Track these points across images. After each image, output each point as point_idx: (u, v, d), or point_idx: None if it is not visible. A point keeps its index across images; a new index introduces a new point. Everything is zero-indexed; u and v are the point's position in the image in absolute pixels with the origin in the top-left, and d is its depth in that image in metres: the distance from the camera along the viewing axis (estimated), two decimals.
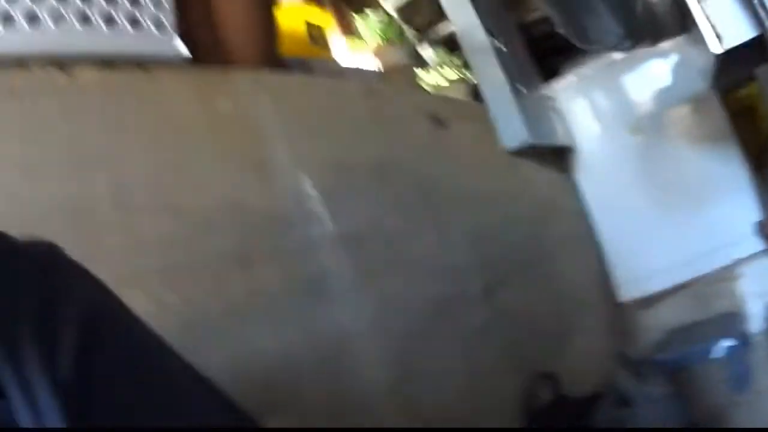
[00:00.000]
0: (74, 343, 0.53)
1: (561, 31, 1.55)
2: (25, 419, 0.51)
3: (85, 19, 1.21)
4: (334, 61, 2.16)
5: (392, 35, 2.49)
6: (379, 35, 2.48)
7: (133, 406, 0.56)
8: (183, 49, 1.25)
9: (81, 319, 0.55)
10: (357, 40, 2.49)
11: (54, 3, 1.19)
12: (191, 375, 0.62)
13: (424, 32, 2.49)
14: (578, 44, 1.63)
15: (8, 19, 1.15)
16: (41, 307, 0.54)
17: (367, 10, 2.53)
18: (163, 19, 1.28)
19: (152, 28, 1.26)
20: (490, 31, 1.84)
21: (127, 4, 1.25)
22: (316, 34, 2.15)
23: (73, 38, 1.20)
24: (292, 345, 1.11)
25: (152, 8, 1.27)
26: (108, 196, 1.06)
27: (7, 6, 1.15)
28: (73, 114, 1.14)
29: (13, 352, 0.52)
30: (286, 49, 1.68)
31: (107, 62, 1.20)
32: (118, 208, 1.06)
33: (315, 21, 2.21)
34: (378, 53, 2.45)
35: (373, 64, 2.39)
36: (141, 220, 1.06)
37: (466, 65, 2.23)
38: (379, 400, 1.18)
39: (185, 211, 1.11)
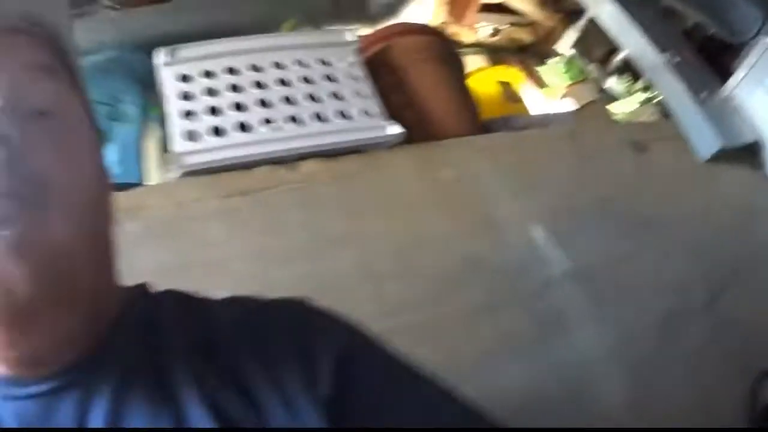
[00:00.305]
0: (331, 368, 0.62)
1: (712, 30, 1.56)
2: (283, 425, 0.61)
3: (295, 120, 1.39)
4: (531, 113, 2.22)
5: (576, 75, 2.54)
6: (566, 77, 2.54)
7: (384, 414, 0.63)
8: (396, 130, 1.37)
9: (335, 349, 0.64)
10: (547, 88, 2.56)
11: (266, 111, 1.39)
12: (441, 391, 0.69)
13: (604, 64, 2.51)
14: (729, 39, 1.62)
15: (216, 131, 1.36)
16: (301, 341, 0.65)
17: (548, 60, 2.62)
18: (371, 108, 1.43)
19: (362, 117, 1.41)
20: (659, 47, 1.86)
21: (335, 101, 1.42)
22: (509, 92, 2.23)
23: (290, 138, 1.37)
24: (539, 377, 1.17)
25: (358, 100, 1.43)
26: (354, 270, 1.20)
27: (214, 120, 1.38)
28: (303, 203, 1.30)
29: (280, 380, 0.62)
30: (486, 111, 1.77)
31: (328, 154, 1.36)
32: (366, 279, 1.20)
33: (505, 79, 2.31)
34: (569, 95, 2.50)
35: (566, 107, 2.43)
36: (389, 286, 1.19)
37: (649, 86, 2.26)
38: (619, 420, 1.22)
39: (428, 273, 1.22)
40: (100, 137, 0.73)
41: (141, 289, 0.73)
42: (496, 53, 2.72)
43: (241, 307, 0.72)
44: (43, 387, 0.61)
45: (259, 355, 0.65)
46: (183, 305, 0.72)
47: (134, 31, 2.08)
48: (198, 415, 0.60)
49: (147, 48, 1.92)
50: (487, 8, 2.59)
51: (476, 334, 1.18)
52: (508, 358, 1.18)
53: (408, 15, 2.35)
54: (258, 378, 0.63)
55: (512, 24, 2.68)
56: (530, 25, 2.72)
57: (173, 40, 1.58)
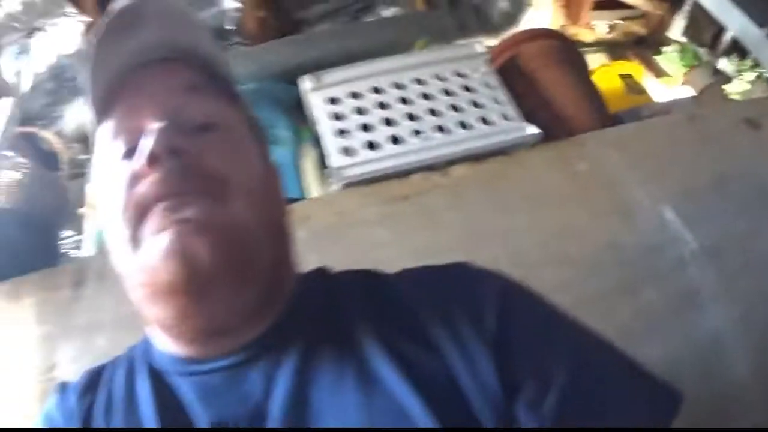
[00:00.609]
0: (495, 312, 0.67)
1: None
2: (459, 368, 0.64)
3: (442, 129, 1.52)
4: (654, 102, 2.27)
5: (691, 61, 2.57)
6: (681, 64, 2.57)
7: (545, 354, 0.67)
8: (534, 130, 1.48)
9: (497, 295, 0.69)
10: (666, 77, 2.60)
11: (414, 124, 1.53)
12: (596, 338, 0.73)
13: (714, 46, 2.52)
14: None
15: (370, 145, 1.50)
16: (469, 292, 0.71)
17: (663, 49, 2.65)
18: (508, 113, 1.54)
19: (502, 121, 1.52)
20: (759, 23, 1.88)
21: (475, 109, 1.54)
22: (632, 85, 2.30)
23: (438, 146, 1.49)
24: (675, 351, 1.22)
25: (495, 105, 1.55)
26: (506, 259, 1.29)
27: (367, 136, 1.51)
28: (456, 203, 1.42)
29: (452, 324, 0.67)
30: (612, 105, 1.83)
31: (474, 158, 1.48)
32: (516, 266, 1.31)
33: (627, 73, 2.37)
34: (687, 81, 2.53)
35: (685, 93, 2.46)
36: (537, 272, 1.29)
37: (757, 63, 2.26)
38: (745, 387, 1.23)
39: (572, 259, 1.31)
40: (264, 142, 0.83)
41: (319, 270, 0.81)
42: (614, 48, 2.78)
43: (413, 273, 0.78)
44: (230, 360, 0.68)
45: (434, 308, 0.69)
46: (360, 277, 0.79)
47: (270, 63, 2.24)
48: (384, 367, 0.65)
49: (285, 77, 2.11)
50: (600, 5, 2.65)
51: (616, 313, 1.24)
52: (646, 333, 1.24)
53: (527, 22, 2.42)
54: (434, 329, 0.67)
55: (625, 18, 2.74)
56: (642, 16, 2.76)
57: (309, 68, 1.72)
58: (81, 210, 2.14)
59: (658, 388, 0.71)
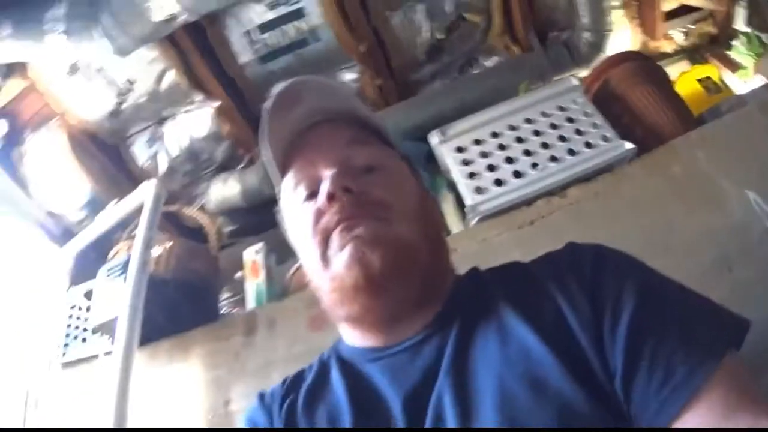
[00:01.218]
0: (590, 265, 0.81)
1: None
2: (566, 309, 0.78)
3: (554, 159, 1.78)
4: (732, 96, 2.37)
5: (758, 49, 2.67)
6: (750, 54, 2.68)
7: (622, 287, 0.77)
8: (629, 146, 1.73)
9: (593, 255, 0.84)
10: (741, 70, 2.72)
11: (530, 159, 1.80)
12: (668, 278, 0.82)
13: None
14: None
15: (497, 182, 1.77)
16: (576, 259, 0.85)
17: (733, 43, 2.77)
18: (605, 133, 1.79)
19: (601, 143, 1.78)
20: None
21: (579, 136, 1.81)
22: (709, 86, 2.45)
23: (552, 174, 1.76)
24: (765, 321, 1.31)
25: (595, 130, 1.81)
26: None
27: (493, 175, 1.79)
28: (576, 219, 1.66)
29: (563, 280, 0.81)
30: (695, 108, 2.02)
31: (585, 178, 1.74)
32: None
33: (704, 75, 2.52)
34: (758, 71, 2.64)
35: (758, 82, 2.56)
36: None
37: None
38: None
39: (673, 248, 1.51)
40: (418, 174, 1.00)
41: (472, 269, 0.97)
42: (695, 52, 2.90)
43: (540, 257, 0.93)
44: (407, 343, 0.84)
45: (552, 273, 0.84)
46: (502, 268, 0.95)
47: (396, 125, 2.47)
48: (515, 322, 0.79)
49: (410, 135, 2.36)
50: (671, 15, 2.80)
51: (713, 290, 1.32)
52: (743, 306, 1.30)
53: (611, 45, 2.59)
54: (551, 286, 0.82)
55: (696, 21, 2.86)
56: (710, 16, 2.86)
57: (431, 124, 2.00)
58: (239, 274, 2.43)
59: (724, 314, 0.77)
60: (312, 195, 0.88)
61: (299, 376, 0.95)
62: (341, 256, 0.81)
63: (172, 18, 2.07)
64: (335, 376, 0.89)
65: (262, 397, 0.94)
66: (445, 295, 0.89)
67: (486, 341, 0.80)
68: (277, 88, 0.94)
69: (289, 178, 0.93)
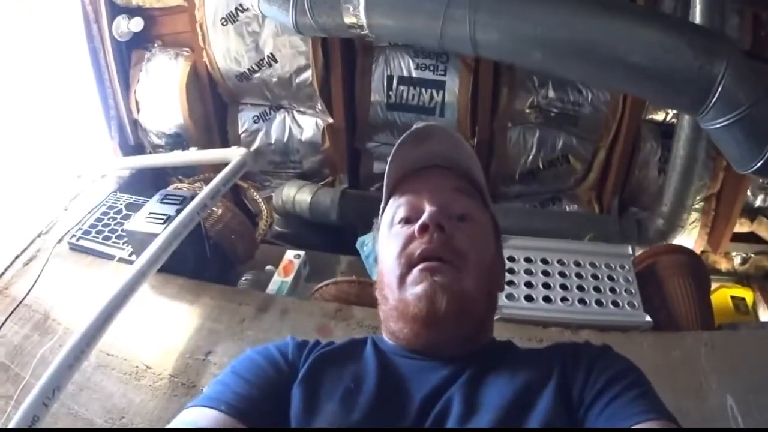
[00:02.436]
0: (571, 354, 0.92)
1: None
2: (554, 381, 0.85)
3: (582, 302, 2.03)
4: (755, 321, 2.56)
5: None
6: None
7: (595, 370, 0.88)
8: (648, 319, 1.96)
9: (574, 347, 0.95)
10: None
11: (564, 293, 2.04)
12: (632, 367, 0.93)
13: None
14: None
15: (528, 298, 2.01)
16: (561, 348, 0.95)
17: None
18: (634, 301, 2.03)
19: (627, 307, 2.02)
20: None
21: (611, 294, 2.05)
22: (740, 306, 2.64)
23: (576, 313, 2.00)
24: None
25: (627, 297, 2.05)
26: None
27: (527, 291, 2.03)
28: None
29: (554, 361, 0.90)
30: (719, 318, 2.20)
31: (600, 328, 1.96)
32: None
33: (740, 295, 2.71)
34: None
35: None
36: None
37: None
38: None
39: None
40: (499, 238, 1.07)
41: (507, 341, 1.04)
42: (744, 279, 3.03)
43: (539, 348, 1.01)
44: (439, 360, 0.91)
45: (546, 357, 0.93)
46: (529, 350, 1.02)
47: None
48: (529, 379, 0.86)
49: None
50: (739, 238, 2.94)
51: None
52: None
53: (676, 240, 2.76)
54: (546, 362, 0.90)
55: (758, 252, 3.01)
56: None
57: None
58: (269, 267, 2.58)
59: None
60: (408, 221, 0.97)
61: (326, 343, 1.01)
62: (416, 288, 0.90)
63: (353, 26, 2.15)
64: (369, 351, 0.97)
65: (294, 338, 1.01)
66: (480, 344, 0.97)
67: (486, 387, 0.88)
68: (417, 125, 1.05)
69: (395, 200, 1.02)
